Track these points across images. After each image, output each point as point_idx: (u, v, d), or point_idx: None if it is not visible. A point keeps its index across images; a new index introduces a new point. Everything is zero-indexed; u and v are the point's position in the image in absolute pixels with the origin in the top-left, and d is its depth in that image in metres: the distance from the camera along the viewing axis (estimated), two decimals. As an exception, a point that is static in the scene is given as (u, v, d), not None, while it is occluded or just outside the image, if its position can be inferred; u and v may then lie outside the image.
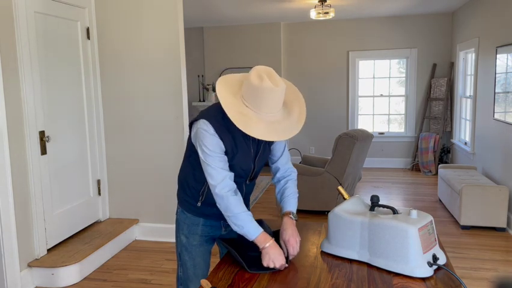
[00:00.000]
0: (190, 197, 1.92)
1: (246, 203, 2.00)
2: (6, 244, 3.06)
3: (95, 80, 4.12)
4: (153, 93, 4.07)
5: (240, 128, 1.59)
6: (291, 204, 1.90)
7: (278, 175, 1.97)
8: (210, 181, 1.72)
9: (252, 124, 1.60)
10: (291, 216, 1.84)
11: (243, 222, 1.69)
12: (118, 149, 4.24)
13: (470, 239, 4.17)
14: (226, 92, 1.66)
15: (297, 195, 1.94)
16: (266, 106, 1.61)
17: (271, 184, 6.47)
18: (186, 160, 1.92)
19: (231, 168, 1.77)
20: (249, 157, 1.81)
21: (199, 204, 1.91)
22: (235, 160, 1.77)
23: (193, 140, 1.79)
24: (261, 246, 1.68)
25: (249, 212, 1.73)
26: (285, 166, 1.96)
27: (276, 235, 1.88)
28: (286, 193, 1.92)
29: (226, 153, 1.74)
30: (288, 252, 1.75)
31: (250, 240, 1.70)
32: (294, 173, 1.98)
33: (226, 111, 1.60)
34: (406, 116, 7.40)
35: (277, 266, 1.64)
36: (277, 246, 1.69)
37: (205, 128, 1.71)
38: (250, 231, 1.69)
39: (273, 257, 1.65)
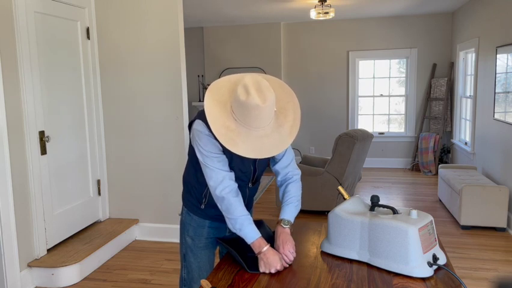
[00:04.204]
0: (194, 198, 1.92)
1: (250, 206, 1.99)
2: (6, 244, 3.06)
3: (95, 80, 4.12)
4: (153, 93, 4.07)
5: (224, 145, 1.55)
6: (286, 211, 1.82)
7: (279, 178, 1.91)
8: (210, 183, 1.71)
9: (238, 140, 1.55)
10: (282, 224, 1.78)
11: (241, 225, 1.68)
12: (118, 149, 4.24)
13: (470, 239, 4.17)
14: (214, 103, 1.59)
15: (299, 197, 1.87)
16: (254, 122, 1.54)
17: (272, 184, 6.47)
18: (189, 162, 1.91)
19: (230, 170, 1.76)
20: (248, 159, 1.79)
21: (202, 206, 1.90)
22: (233, 162, 1.75)
23: (192, 142, 1.78)
24: (256, 252, 1.67)
25: (249, 216, 1.71)
26: (285, 169, 1.88)
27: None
28: (284, 198, 1.86)
29: (223, 153, 1.72)
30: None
31: (248, 243, 1.70)
32: (296, 175, 1.89)
33: (211, 127, 1.55)
34: (406, 116, 7.40)
35: (272, 271, 1.63)
36: (273, 251, 1.67)
37: (199, 129, 1.69)
38: (248, 235, 1.68)
39: (268, 263, 1.63)
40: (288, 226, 1.78)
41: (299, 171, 1.92)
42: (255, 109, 1.51)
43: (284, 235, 1.74)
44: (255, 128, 1.56)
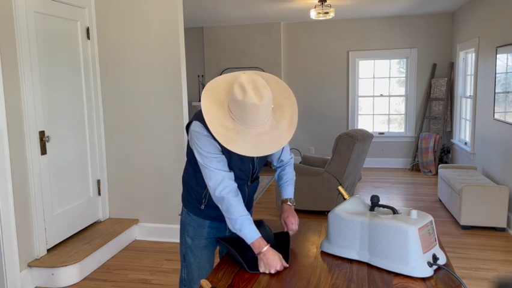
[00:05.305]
0: (194, 199, 1.92)
1: (250, 205, 2.00)
2: (6, 244, 3.06)
3: (95, 80, 4.12)
4: (153, 93, 4.07)
5: (223, 145, 1.55)
6: (288, 191, 1.99)
7: (278, 165, 2.04)
8: (209, 183, 1.71)
9: (237, 139, 1.55)
10: (289, 203, 1.96)
11: (241, 226, 1.68)
12: (118, 149, 4.24)
13: (470, 239, 4.17)
14: (211, 103, 1.59)
15: (294, 178, 2.04)
16: (251, 120, 1.55)
17: (272, 184, 6.47)
18: (188, 163, 1.91)
19: (229, 169, 1.76)
20: (247, 157, 1.79)
21: (202, 207, 1.90)
22: (232, 162, 1.75)
23: (190, 144, 1.78)
24: (256, 252, 1.66)
25: (249, 216, 1.71)
26: (286, 159, 2.02)
27: (276, 237, 1.88)
28: (284, 179, 2.01)
29: (222, 153, 1.72)
30: (289, 251, 1.75)
31: (248, 243, 1.70)
32: (291, 159, 2.05)
33: (209, 127, 1.56)
34: (406, 116, 7.40)
35: (272, 271, 1.63)
36: (274, 251, 1.67)
37: (197, 130, 1.69)
38: (248, 235, 1.68)
39: (267, 263, 1.63)
40: (293, 204, 1.97)
41: (292, 155, 2.09)
42: (252, 108, 1.52)
43: (291, 211, 1.93)
44: (253, 126, 1.56)
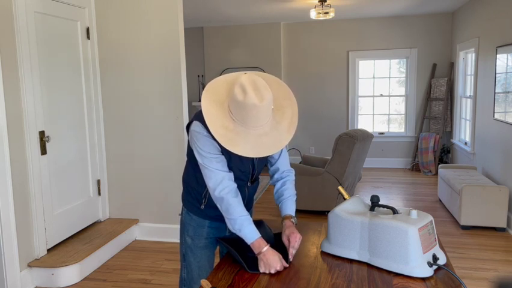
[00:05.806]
0: (194, 199, 1.92)
1: (250, 205, 1.99)
2: (6, 244, 3.06)
3: (95, 80, 4.12)
4: (153, 93, 4.07)
5: (223, 146, 1.55)
6: (291, 207, 1.89)
7: (276, 176, 1.96)
8: (209, 184, 1.71)
9: (238, 140, 1.55)
10: (292, 220, 1.84)
11: (241, 226, 1.68)
12: (118, 149, 4.24)
13: (470, 239, 4.17)
14: (212, 103, 1.59)
15: (295, 196, 1.94)
16: (252, 121, 1.55)
17: (271, 184, 6.46)
18: (188, 163, 1.91)
19: (229, 170, 1.76)
20: (247, 158, 1.79)
21: (202, 206, 1.90)
22: (232, 162, 1.75)
23: (190, 144, 1.78)
24: (256, 252, 1.66)
25: (248, 216, 1.71)
26: (284, 167, 1.94)
27: (277, 237, 1.87)
28: (285, 195, 1.91)
29: (222, 153, 1.72)
30: (289, 252, 1.74)
31: (248, 243, 1.70)
32: (292, 173, 1.96)
33: (209, 128, 1.55)
34: (406, 116, 7.40)
35: (272, 271, 1.63)
36: (273, 251, 1.66)
37: (197, 130, 1.69)
38: (247, 235, 1.68)
39: (267, 263, 1.63)
40: (296, 222, 1.86)
41: (293, 170, 2.00)
42: (252, 108, 1.52)
43: (293, 228, 1.79)
44: (253, 127, 1.56)
